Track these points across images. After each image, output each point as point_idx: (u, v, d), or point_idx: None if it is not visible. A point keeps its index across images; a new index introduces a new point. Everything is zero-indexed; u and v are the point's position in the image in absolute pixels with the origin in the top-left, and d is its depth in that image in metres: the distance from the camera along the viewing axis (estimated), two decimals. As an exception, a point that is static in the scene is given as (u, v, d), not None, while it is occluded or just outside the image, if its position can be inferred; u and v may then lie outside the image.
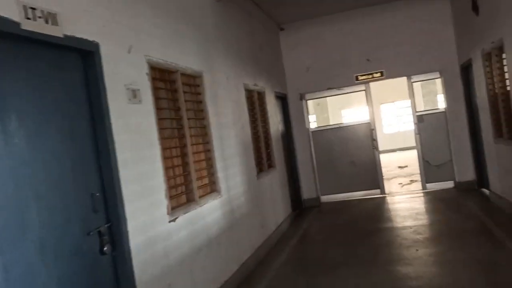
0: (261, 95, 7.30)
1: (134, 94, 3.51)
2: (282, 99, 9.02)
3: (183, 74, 4.50)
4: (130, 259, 3.15)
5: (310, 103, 11.99)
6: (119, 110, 3.26)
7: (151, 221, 3.51)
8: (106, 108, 3.10)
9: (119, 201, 3.11)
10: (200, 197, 4.48)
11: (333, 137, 9.40)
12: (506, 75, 5.66)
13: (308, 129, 9.39)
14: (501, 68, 5.88)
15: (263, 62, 7.76)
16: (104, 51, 3.16)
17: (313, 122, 14.66)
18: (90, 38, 3.04)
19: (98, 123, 3.07)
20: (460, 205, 7.42)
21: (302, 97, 9.33)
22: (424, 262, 4.97)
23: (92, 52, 3.06)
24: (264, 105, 7.38)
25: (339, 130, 9.50)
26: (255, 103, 6.89)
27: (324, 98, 16.05)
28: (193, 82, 4.82)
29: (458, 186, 8.59)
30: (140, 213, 3.36)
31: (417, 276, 4.50)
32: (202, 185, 4.65)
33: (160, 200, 3.69)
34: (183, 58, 4.51)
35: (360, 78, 9.03)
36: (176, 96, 4.34)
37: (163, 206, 3.72)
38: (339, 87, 9.19)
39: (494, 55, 6.02)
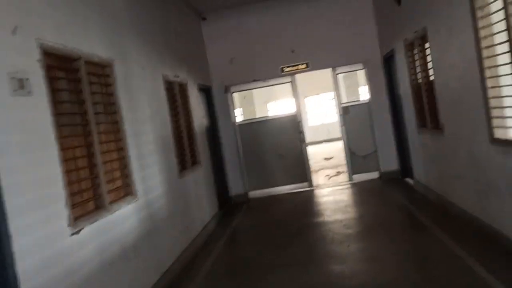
0: (183, 87, 6.80)
1: (20, 84, 2.90)
2: (207, 92, 8.57)
3: (88, 62, 3.90)
4: (16, 286, 2.57)
5: (236, 96, 11.63)
6: None
7: (48, 237, 2.94)
8: (-21, 101, 2.49)
9: (1, 216, 2.52)
10: (112, 202, 3.93)
11: (260, 130, 9.12)
12: (429, 65, 5.64)
13: (234, 123, 9.03)
14: (424, 57, 5.86)
15: (184, 53, 7.25)
16: (-23, 31, 2.54)
17: (239, 116, 14.34)
18: (-45, 14, 2.42)
19: (-30, 120, 2.47)
20: (387, 196, 7.44)
21: (227, 90, 8.94)
22: (357, 258, 4.80)
23: (-41, 31, 2.44)
24: (187, 98, 6.89)
25: (266, 122, 9.24)
26: (176, 96, 6.38)
27: (250, 92, 15.82)
28: (102, 71, 4.23)
29: (383, 176, 8.67)
30: (32, 229, 2.78)
31: (353, 275, 4.29)
32: (114, 189, 4.10)
33: (59, 211, 3.12)
34: (87, 44, 3.91)
35: (285, 69, 8.81)
36: (80, 87, 3.74)
37: (63, 217, 3.15)
38: (265, 79, 8.92)
39: (417, 45, 6.00)
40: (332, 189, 8.64)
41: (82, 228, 3.34)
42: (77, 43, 3.72)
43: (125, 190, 4.32)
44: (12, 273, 2.53)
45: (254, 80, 8.91)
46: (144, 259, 4.36)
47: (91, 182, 3.75)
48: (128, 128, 4.46)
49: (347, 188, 8.55)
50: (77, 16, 3.84)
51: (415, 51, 6.13)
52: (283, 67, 8.79)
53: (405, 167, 8.15)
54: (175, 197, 5.59)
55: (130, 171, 4.38)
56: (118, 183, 4.23)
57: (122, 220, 4.03)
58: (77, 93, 3.73)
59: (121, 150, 4.32)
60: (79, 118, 3.71)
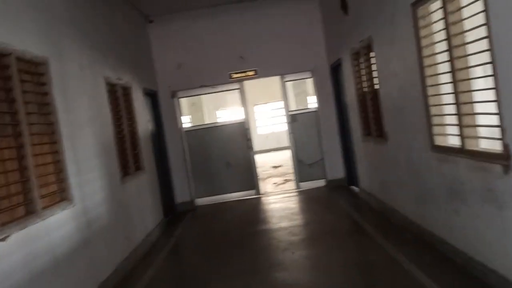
0: (126, 91, 6.56)
1: None
2: (152, 96, 8.34)
3: (20, 59, 3.64)
4: None
5: (184, 102, 11.46)
6: None
7: (-33, 245, 2.68)
8: None
9: None
10: (44, 208, 3.67)
11: (208, 137, 8.98)
12: (374, 74, 5.76)
13: (180, 129, 8.84)
14: (369, 66, 5.98)
15: (129, 55, 7.02)
16: None
17: (187, 123, 14.13)
18: None
19: None
20: (333, 204, 7.50)
21: (174, 95, 8.75)
22: (301, 266, 4.76)
23: None
24: (130, 102, 6.64)
25: (214, 129, 9.11)
26: (119, 99, 6.14)
27: (199, 99, 15.66)
28: (35, 69, 3.97)
29: (329, 184, 8.77)
30: None
31: (295, 283, 4.23)
32: (48, 194, 3.84)
33: (-19, 216, 2.85)
34: (19, 39, 3.65)
35: (234, 76, 8.75)
36: (9, 86, 3.48)
37: (-13, 223, 2.89)
38: (213, 84, 8.81)
39: (362, 54, 6.12)
40: (279, 197, 8.62)
41: (9, 235, 3.08)
42: (7, 38, 3.46)
43: (60, 196, 4.05)
44: None
45: (202, 86, 8.78)
46: (79, 270, 4.10)
47: (22, 186, 3.48)
48: (65, 130, 4.21)
49: (294, 196, 8.57)
50: (8, 8, 3.58)
51: (361, 60, 6.25)
52: (231, 73, 8.72)
53: (351, 175, 8.28)
54: (116, 204, 5.34)
55: (66, 176, 4.12)
56: (53, 187, 3.96)
57: (55, 227, 3.77)
58: (7, 91, 3.46)
59: (56, 153, 4.06)
60: (9, 118, 3.44)
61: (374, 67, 5.74)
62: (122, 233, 5.45)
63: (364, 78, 6.25)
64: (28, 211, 3.50)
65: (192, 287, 4.58)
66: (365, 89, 6.25)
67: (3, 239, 3.02)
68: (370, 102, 6.05)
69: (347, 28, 6.78)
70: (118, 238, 5.29)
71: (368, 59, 5.97)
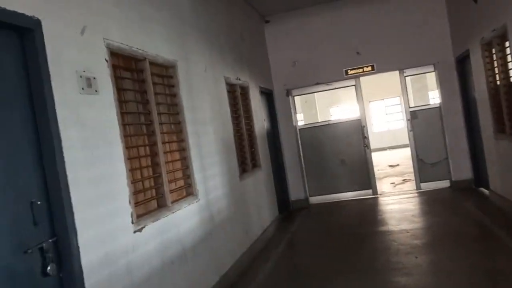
0: (244, 90, 6.77)
1: (88, 83, 2.96)
2: (268, 95, 8.51)
3: (153, 64, 3.95)
4: (81, 281, 2.59)
5: (298, 99, 11.49)
6: (68, 100, 2.71)
7: (111, 233, 2.96)
8: (49, 97, 2.55)
9: (67, 210, 2.56)
10: (173, 202, 3.94)
11: (322, 135, 8.90)
12: (510, 65, 5.20)
13: (295, 127, 8.89)
14: (503, 57, 5.42)
15: (247, 56, 7.23)
16: (48, 30, 2.60)
17: (300, 121, 14.18)
18: (29, 13, 2.49)
19: (40, 116, 2.52)
20: (459, 206, 6.96)
21: (288, 93, 8.83)
22: (424, 271, 4.48)
23: (31, 30, 2.51)
24: (248, 101, 6.85)
25: (328, 127, 9.00)
26: (237, 98, 6.36)
27: (312, 96, 15.60)
28: (166, 72, 4.27)
29: (454, 185, 8.15)
30: (96, 224, 2.81)
31: (419, 289, 4.01)
32: (176, 189, 4.11)
33: (122, 207, 3.14)
34: (152, 45, 3.96)
35: (350, 72, 8.55)
36: (144, 88, 3.79)
37: (127, 214, 3.17)
38: (328, 82, 8.70)
39: (495, 44, 5.57)
40: (397, 198, 8.24)
41: (145, 226, 3.36)
42: (143, 44, 3.77)
43: (187, 191, 4.32)
44: (78, 266, 2.56)
45: (317, 83, 8.72)
46: (203, 260, 4.33)
47: (154, 181, 3.77)
48: (190, 128, 4.47)
49: (414, 197, 8.12)
50: (143, 17, 3.89)
51: (494, 51, 5.69)
52: (347, 70, 8.54)
53: (479, 176, 7.61)
54: (235, 199, 5.55)
55: (192, 172, 4.38)
56: (180, 183, 4.24)
57: (183, 220, 4.03)
58: (142, 93, 3.77)
59: (183, 150, 4.33)
60: (143, 118, 3.75)
61: (509, 58, 5.19)
62: (242, 228, 5.64)
63: (497, 70, 5.69)
64: (159, 204, 3.78)
65: (309, 282, 4.58)
66: (499, 83, 5.69)
67: (140, 230, 3.29)
68: (505, 96, 5.49)
69: (476, 17, 6.22)
70: (238, 232, 5.48)
71: (502, 49, 5.41)
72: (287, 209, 8.43)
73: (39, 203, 2.44)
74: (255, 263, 5.48)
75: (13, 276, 2.25)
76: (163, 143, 3.95)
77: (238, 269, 5.13)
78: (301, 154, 8.85)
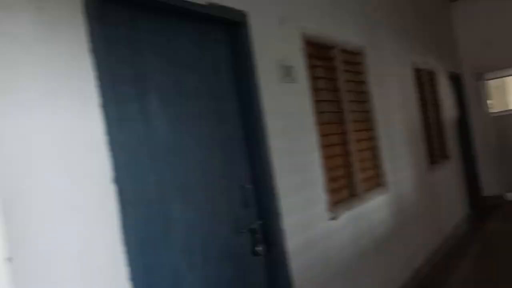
0: (431, 75, 6.29)
1: (287, 72, 3.04)
2: (455, 80, 7.77)
3: (342, 51, 3.89)
4: (287, 262, 2.69)
5: (490, 84, 10.26)
6: (271, 90, 2.81)
7: (309, 219, 3.01)
8: (256, 88, 2.68)
9: (273, 196, 2.66)
10: (364, 192, 3.84)
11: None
12: None
13: (488, 114, 7.95)
14: None
15: (433, 38, 6.70)
16: (254, 23, 2.73)
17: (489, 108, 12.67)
18: (237, 7, 2.64)
19: (248, 106, 2.66)
20: None
21: (479, 77, 7.93)
22: None
23: (240, 24, 2.66)
24: (435, 87, 6.35)
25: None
26: (424, 84, 5.93)
27: (503, 81, 13.78)
28: (354, 59, 4.17)
29: None
30: (296, 209, 2.88)
31: None
32: (366, 178, 4.00)
33: (318, 195, 3.17)
34: (342, 32, 3.91)
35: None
36: (334, 76, 3.76)
37: (322, 201, 3.19)
38: (528, 63, 7.57)
39: None
40: None
41: (339, 214, 3.34)
42: (333, 31, 3.74)
43: (376, 181, 4.17)
44: (284, 248, 2.65)
45: (515, 65, 7.66)
46: (395, 254, 4.15)
47: (345, 170, 3.73)
48: (379, 117, 4.30)
49: None
50: (335, 5, 3.86)
51: None
52: (554, 48, 7.30)
53: None
54: (425, 193, 5.20)
55: (381, 162, 4.22)
56: (369, 173, 4.11)
57: (373, 210, 3.91)
58: (332, 81, 3.75)
59: (372, 139, 4.20)
60: (334, 106, 3.72)
61: None
62: (433, 223, 5.27)
63: None
64: (351, 193, 3.73)
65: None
66: None
67: (335, 218, 3.29)
68: None
69: None
70: (429, 228, 5.14)
71: None
72: (479, 205, 7.61)
73: (248, 186, 2.59)
74: (448, 261, 5.05)
75: (229, 253, 2.42)
76: (353, 131, 3.87)
77: (431, 265, 4.80)
78: (495, 145, 7.88)
